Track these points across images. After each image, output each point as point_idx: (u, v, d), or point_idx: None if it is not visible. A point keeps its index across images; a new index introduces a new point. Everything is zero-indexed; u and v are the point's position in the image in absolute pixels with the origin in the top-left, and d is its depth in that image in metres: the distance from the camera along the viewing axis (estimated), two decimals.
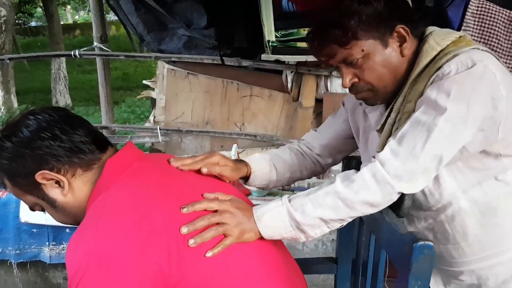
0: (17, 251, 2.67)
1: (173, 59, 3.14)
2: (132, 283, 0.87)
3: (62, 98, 9.67)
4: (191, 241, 0.93)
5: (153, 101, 3.39)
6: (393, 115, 1.16)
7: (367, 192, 1.03)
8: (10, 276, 2.78)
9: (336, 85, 2.86)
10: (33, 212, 1.13)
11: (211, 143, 3.16)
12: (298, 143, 1.48)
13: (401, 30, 1.11)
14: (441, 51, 1.10)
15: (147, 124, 3.36)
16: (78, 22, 25.02)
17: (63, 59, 9.41)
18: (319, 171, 1.49)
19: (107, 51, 3.35)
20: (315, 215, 1.04)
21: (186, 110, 3.16)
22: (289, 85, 2.93)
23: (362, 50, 1.11)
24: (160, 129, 3.16)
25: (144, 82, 3.45)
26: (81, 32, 20.47)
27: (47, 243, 2.65)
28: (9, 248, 2.66)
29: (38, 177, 1.00)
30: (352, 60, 1.12)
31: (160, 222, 0.94)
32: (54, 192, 1.03)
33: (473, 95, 1.02)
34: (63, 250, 2.67)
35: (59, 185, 1.03)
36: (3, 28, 7.12)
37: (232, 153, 2.67)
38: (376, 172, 1.03)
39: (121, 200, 0.96)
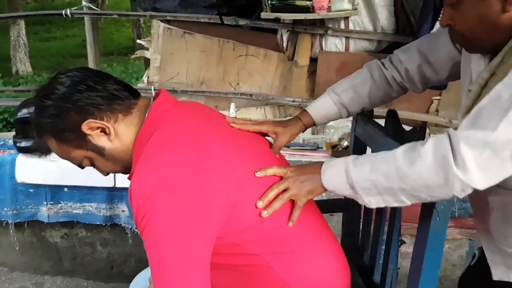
0: (14, 212, 2.64)
1: (168, 18, 3.13)
2: (200, 210, 0.96)
3: (22, 66, 9.33)
4: (264, 213, 1.03)
5: (146, 61, 3.37)
6: (485, 74, 1.03)
7: (423, 166, 0.92)
8: (6, 237, 2.76)
9: (330, 44, 2.95)
10: (82, 166, 1.15)
11: (206, 103, 3.20)
12: (387, 62, 1.35)
13: None
14: None
15: (140, 85, 3.34)
16: None
17: (22, 25, 9.03)
18: (396, 97, 1.39)
19: (96, 10, 3.29)
20: (368, 177, 0.98)
21: (181, 70, 3.17)
22: (285, 44, 3.00)
23: None
24: (154, 89, 3.16)
25: (138, 41, 3.41)
26: None
27: (45, 203, 2.63)
28: (5, 209, 2.63)
29: (85, 127, 1.05)
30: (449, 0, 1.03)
31: (219, 151, 1.03)
32: (101, 141, 1.08)
33: None
34: (61, 209, 2.65)
35: (105, 133, 1.07)
36: None
37: (231, 111, 2.75)
38: (442, 154, 0.90)
39: (181, 134, 1.04)
